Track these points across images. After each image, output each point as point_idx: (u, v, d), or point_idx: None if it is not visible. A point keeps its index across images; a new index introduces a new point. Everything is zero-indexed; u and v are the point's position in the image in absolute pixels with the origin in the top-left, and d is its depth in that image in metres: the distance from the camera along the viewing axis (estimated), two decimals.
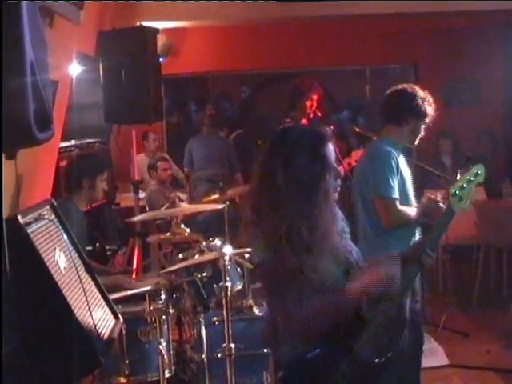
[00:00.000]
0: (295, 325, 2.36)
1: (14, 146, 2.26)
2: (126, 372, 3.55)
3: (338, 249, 2.41)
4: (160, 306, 3.69)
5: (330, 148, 2.42)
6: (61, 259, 2.73)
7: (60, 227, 2.90)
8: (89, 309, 2.71)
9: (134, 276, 4.74)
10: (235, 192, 5.57)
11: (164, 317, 3.68)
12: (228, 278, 3.29)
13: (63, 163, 4.66)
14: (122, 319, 3.14)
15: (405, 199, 3.54)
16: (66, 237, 2.91)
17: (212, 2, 5.96)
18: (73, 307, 2.61)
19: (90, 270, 3.04)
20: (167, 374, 3.57)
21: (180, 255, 4.14)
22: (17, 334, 2.29)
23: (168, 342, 3.70)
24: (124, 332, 3.43)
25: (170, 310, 3.77)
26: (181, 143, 8.08)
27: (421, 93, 3.57)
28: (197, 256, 3.98)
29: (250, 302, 4.04)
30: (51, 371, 2.58)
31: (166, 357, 3.48)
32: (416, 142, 3.70)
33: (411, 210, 3.54)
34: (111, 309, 3.08)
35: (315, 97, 5.46)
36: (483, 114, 8.44)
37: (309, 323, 2.33)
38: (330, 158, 2.40)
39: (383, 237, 3.50)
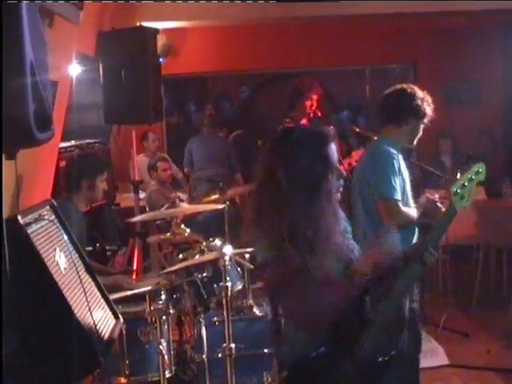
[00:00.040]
0: (300, 320, 2.37)
1: (14, 147, 2.26)
2: (127, 372, 3.55)
3: (341, 249, 2.42)
4: (160, 306, 3.69)
5: (333, 148, 2.42)
6: (61, 259, 2.73)
7: (60, 227, 2.90)
8: (89, 309, 2.71)
9: (134, 276, 4.74)
10: (235, 192, 5.58)
11: (164, 317, 3.68)
12: (228, 278, 3.29)
13: (63, 163, 4.66)
14: (122, 319, 3.14)
15: (405, 199, 3.54)
16: (66, 237, 2.91)
17: (212, 1, 5.96)
18: (73, 307, 2.61)
19: (90, 271, 3.04)
20: (167, 375, 3.57)
21: (180, 255, 4.14)
22: (17, 333, 2.29)
23: (168, 343, 3.70)
24: (124, 332, 3.43)
25: (171, 311, 3.77)
26: (181, 143, 8.08)
27: (420, 93, 3.58)
28: (197, 256, 3.98)
29: (251, 302, 4.04)
30: (51, 371, 2.58)
31: (166, 357, 3.48)
32: (415, 143, 3.70)
33: (412, 211, 3.54)
34: (111, 309, 3.08)
35: (315, 97, 5.46)
36: (483, 114, 8.44)
37: (314, 317, 2.34)
38: (332, 158, 2.40)
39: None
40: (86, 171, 4.25)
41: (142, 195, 6.01)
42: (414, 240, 3.52)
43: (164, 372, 3.48)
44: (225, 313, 3.21)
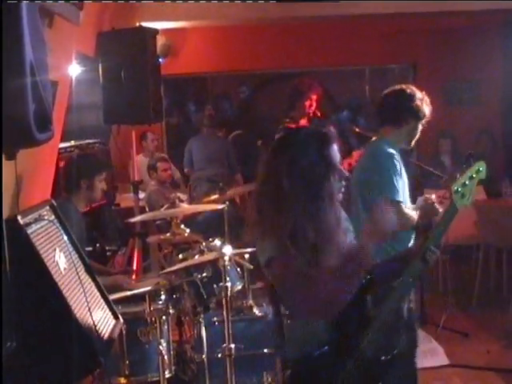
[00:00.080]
0: (303, 319, 2.38)
1: (14, 147, 2.26)
2: (126, 372, 3.55)
3: (344, 249, 2.42)
4: (160, 306, 3.69)
5: (335, 149, 2.44)
6: (61, 260, 2.73)
7: (60, 228, 2.90)
8: (89, 309, 2.71)
9: (133, 276, 4.74)
10: (235, 192, 5.58)
11: (164, 317, 3.68)
12: (228, 279, 3.29)
13: (62, 164, 4.66)
14: (122, 319, 3.14)
15: (404, 200, 3.54)
16: (65, 237, 2.91)
17: (212, 1, 5.96)
18: (73, 308, 2.61)
19: (90, 271, 3.04)
20: (167, 375, 3.57)
21: (180, 255, 4.13)
22: (17, 333, 2.29)
23: (168, 343, 3.70)
24: (124, 332, 3.43)
25: (170, 311, 3.77)
26: (180, 144, 8.09)
27: (419, 93, 3.57)
28: (197, 256, 3.98)
29: (250, 302, 4.04)
30: (51, 371, 2.58)
31: (166, 357, 3.48)
32: (412, 143, 3.70)
33: (411, 212, 3.54)
34: (111, 309, 3.08)
35: (314, 97, 5.47)
36: (483, 114, 8.44)
37: (317, 315, 2.37)
38: (334, 159, 2.42)
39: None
40: (84, 171, 4.25)
41: (141, 195, 6.01)
42: (411, 241, 3.51)
43: (164, 372, 3.48)
44: (224, 313, 3.21)
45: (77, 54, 4.49)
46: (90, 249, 5.11)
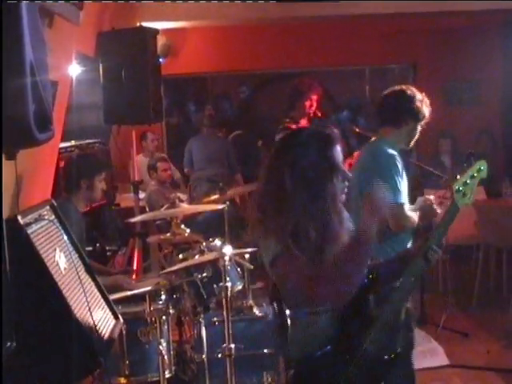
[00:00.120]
0: (306, 318, 2.40)
1: (14, 147, 2.26)
2: (126, 372, 3.55)
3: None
4: (160, 306, 3.69)
5: (338, 150, 2.44)
6: (61, 260, 2.73)
7: (60, 228, 2.90)
8: (89, 309, 2.71)
9: (134, 276, 4.74)
10: (235, 192, 5.58)
11: (164, 317, 3.68)
12: (228, 279, 3.29)
13: (62, 164, 4.66)
14: (122, 319, 3.14)
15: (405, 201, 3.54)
16: (66, 237, 2.91)
17: (212, 1, 5.96)
18: (73, 308, 2.61)
19: (90, 271, 3.04)
20: (167, 375, 3.57)
21: (180, 255, 4.14)
22: (17, 334, 2.29)
23: (168, 343, 3.70)
24: (124, 332, 3.43)
25: (170, 311, 3.77)
26: (180, 144, 8.09)
27: (419, 94, 3.57)
28: (197, 256, 3.98)
29: (250, 302, 4.04)
30: (51, 371, 2.58)
31: (166, 357, 3.48)
32: (411, 144, 3.69)
33: (413, 214, 3.53)
34: (111, 309, 3.08)
35: (314, 97, 5.47)
36: (483, 114, 8.44)
37: (320, 314, 2.40)
38: (337, 160, 2.42)
39: (383, 240, 3.48)
40: (84, 171, 4.25)
41: (141, 195, 6.01)
42: (410, 242, 3.51)
43: (164, 372, 3.47)
44: (225, 313, 3.21)
45: (77, 53, 4.49)
46: (90, 249, 5.11)
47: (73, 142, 5.40)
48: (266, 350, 3.68)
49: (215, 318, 3.77)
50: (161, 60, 5.46)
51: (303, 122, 5.44)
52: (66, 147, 5.12)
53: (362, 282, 2.40)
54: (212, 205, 4.73)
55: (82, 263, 3.01)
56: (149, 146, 7.80)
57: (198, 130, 8.05)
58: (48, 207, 2.90)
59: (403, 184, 3.47)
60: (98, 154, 5.72)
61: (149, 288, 3.66)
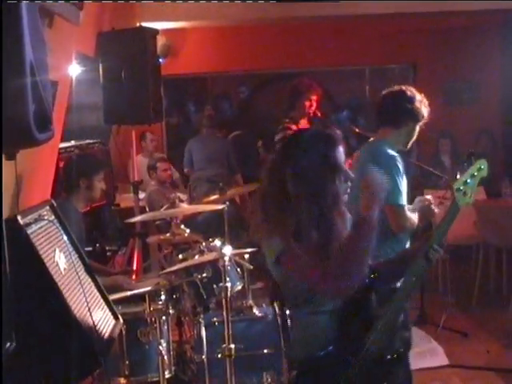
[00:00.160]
0: (308, 318, 2.40)
1: (14, 147, 2.25)
2: (126, 373, 3.55)
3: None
4: (160, 306, 3.69)
5: (340, 151, 2.45)
6: (61, 260, 2.73)
7: (60, 228, 2.90)
8: (89, 309, 2.71)
9: (133, 277, 4.74)
10: (235, 192, 5.57)
11: (164, 317, 3.68)
12: (228, 279, 3.29)
13: (61, 164, 4.66)
14: (121, 320, 3.14)
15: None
16: (65, 237, 2.91)
17: (212, 1, 5.96)
18: (72, 308, 2.61)
19: (89, 271, 3.04)
20: (167, 375, 3.57)
21: (180, 256, 4.14)
22: (17, 334, 2.29)
23: (168, 343, 3.70)
24: (124, 333, 3.43)
25: (170, 311, 3.77)
26: (180, 144, 8.08)
27: (418, 95, 3.55)
28: (197, 256, 3.99)
29: (250, 302, 4.04)
30: (51, 372, 2.58)
31: (166, 357, 3.48)
32: (409, 145, 3.68)
33: (413, 215, 3.52)
34: (111, 309, 3.08)
35: (314, 97, 5.47)
36: (482, 114, 8.44)
37: (323, 314, 2.41)
38: (339, 161, 2.43)
39: (383, 240, 3.48)
40: (83, 171, 4.24)
41: (141, 195, 6.01)
42: (408, 242, 3.50)
43: (164, 372, 3.47)
44: (224, 313, 3.21)
45: (77, 54, 4.50)
46: (90, 249, 5.11)
47: (73, 142, 5.40)
48: (265, 351, 3.68)
49: (215, 319, 3.77)
50: (160, 60, 5.46)
51: (303, 122, 5.44)
52: (66, 147, 5.12)
53: (364, 277, 2.39)
54: (212, 205, 4.73)
55: (82, 263, 3.01)
56: (148, 146, 7.80)
57: (198, 130, 8.04)
58: (48, 207, 2.90)
59: (404, 185, 3.46)
60: (97, 154, 5.71)
61: (149, 288, 3.66)
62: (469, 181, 2.50)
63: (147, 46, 4.92)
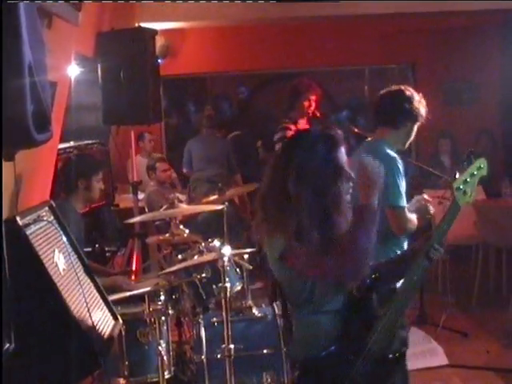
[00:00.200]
0: (309, 318, 2.40)
1: (13, 148, 2.25)
2: (126, 373, 3.55)
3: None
4: (159, 307, 3.69)
5: (342, 151, 2.45)
6: (60, 261, 2.73)
7: (59, 229, 2.90)
8: (88, 310, 2.71)
9: (133, 277, 4.74)
10: (234, 193, 5.57)
11: (163, 318, 3.68)
12: (227, 279, 3.29)
13: (60, 164, 4.66)
14: (121, 320, 3.14)
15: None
16: (65, 238, 2.91)
17: (212, 2, 5.96)
18: (72, 308, 2.60)
19: (89, 272, 3.03)
20: (167, 375, 3.57)
21: (179, 256, 4.13)
22: (16, 335, 2.29)
23: (167, 343, 3.70)
24: (123, 333, 3.43)
25: (170, 311, 3.77)
26: (180, 144, 8.08)
27: (416, 95, 3.54)
28: (196, 257, 3.99)
29: (250, 302, 4.04)
30: (51, 373, 2.57)
31: (165, 358, 3.48)
32: (406, 145, 3.67)
33: (413, 216, 3.52)
34: (110, 310, 3.07)
35: (313, 97, 5.47)
36: (482, 114, 8.44)
37: (325, 313, 2.42)
38: (341, 161, 2.42)
39: (383, 242, 3.47)
40: (81, 172, 4.23)
41: (140, 196, 6.01)
42: (405, 242, 3.50)
43: (163, 373, 3.47)
44: (224, 313, 3.21)
45: (76, 54, 4.49)
46: (90, 249, 5.11)
47: (72, 143, 5.39)
48: (265, 351, 3.68)
49: (214, 319, 3.77)
50: (160, 60, 5.46)
51: (302, 123, 5.44)
52: (65, 148, 5.12)
53: (368, 267, 2.39)
54: (211, 205, 4.73)
55: (81, 264, 3.00)
56: (146, 146, 7.79)
57: (197, 130, 8.04)
58: (47, 208, 2.90)
59: (403, 186, 3.46)
60: (96, 154, 5.71)
61: (148, 289, 3.66)
62: (469, 180, 2.50)
63: (146, 46, 4.92)
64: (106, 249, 5.78)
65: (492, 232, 6.08)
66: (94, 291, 3.02)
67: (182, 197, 6.90)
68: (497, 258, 6.28)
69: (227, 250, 3.35)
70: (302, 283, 2.44)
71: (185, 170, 7.58)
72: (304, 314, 2.52)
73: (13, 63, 2.01)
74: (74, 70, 4.56)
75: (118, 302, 3.49)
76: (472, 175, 2.50)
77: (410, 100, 3.50)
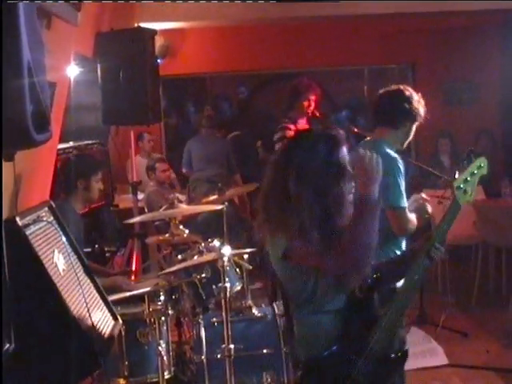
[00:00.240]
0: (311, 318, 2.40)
1: (12, 148, 2.25)
2: (126, 373, 3.55)
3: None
4: (159, 307, 3.69)
5: (344, 151, 2.44)
6: (59, 261, 2.73)
7: (58, 229, 2.90)
8: (88, 310, 2.71)
9: (133, 277, 4.74)
10: (234, 193, 5.57)
11: (163, 318, 3.68)
12: (227, 279, 3.29)
13: (59, 165, 4.65)
14: (121, 320, 3.14)
15: None
16: (64, 238, 2.91)
17: (212, 2, 5.95)
18: (72, 309, 2.61)
19: (88, 272, 3.03)
20: (167, 375, 3.57)
21: (179, 256, 4.13)
22: (16, 335, 2.29)
23: (167, 343, 3.70)
24: (123, 333, 3.43)
25: (170, 311, 3.77)
26: (179, 144, 8.08)
27: (415, 95, 3.54)
28: (196, 257, 3.98)
29: (249, 302, 4.04)
30: (51, 373, 2.57)
31: (165, 358, 3.48)
32: (405, 145, 3.66)
33: (413, 216, 3.52)
34: (110, 310, 3.08)
35: (313, 97, 5.47)
36: (482, 114, 8.44)
37: (327, 313, 2.43)
38: (343, 161, 2.42)
39: (384, 242, 3.47)
40: (80, 172, 4.23)
41: (140, 196, 6.01)
42: (404, 242, 3.50)
43: (163, 373, 3.48)
44: (224, 313, 3.21)
45: (75, 54, 4.49)
46: (89, 250, 5.11)
47: (71, 143, 5.39)
48: (265, 351, 3.68)
49: (214, 319, 3.77)
50: (159, 61, 5.46)
51: (302, 122, 5.44)
52: (65, 148, 5.11)
53: (371, 259, 2.39)
54: (211, 205, 4.73)
55: (81, 264, 3.00)
56: (145, 146, 7.79)
57: (197, 130, 8.03)
58: (46, 208, 2.90)
59: (404, 186, 3.45)
60: (96, 154, 5.71)
61: (148, 289, 3.66)
62: (469, 179, 2.50)
63: (146, 46, 4.92)
64: (106, 249, 5.78)
65: (492, 232, 6.08)
66: (94, 291, 3.02)
67: (182, 197, 6.90)
68: (496, 258, 6.28)
69: (227, 250, 3.35)
70: (303, 282, 2.44)
71: (184, 170, 7.58)
72: (305, 313, 2.52)
73: (12, 63, 2.01)
74: (73, 70, 4.56)
75: (117, 302, 3.49)
76: (472, 174, 2.50)
77: (409, 100, 3.50)
